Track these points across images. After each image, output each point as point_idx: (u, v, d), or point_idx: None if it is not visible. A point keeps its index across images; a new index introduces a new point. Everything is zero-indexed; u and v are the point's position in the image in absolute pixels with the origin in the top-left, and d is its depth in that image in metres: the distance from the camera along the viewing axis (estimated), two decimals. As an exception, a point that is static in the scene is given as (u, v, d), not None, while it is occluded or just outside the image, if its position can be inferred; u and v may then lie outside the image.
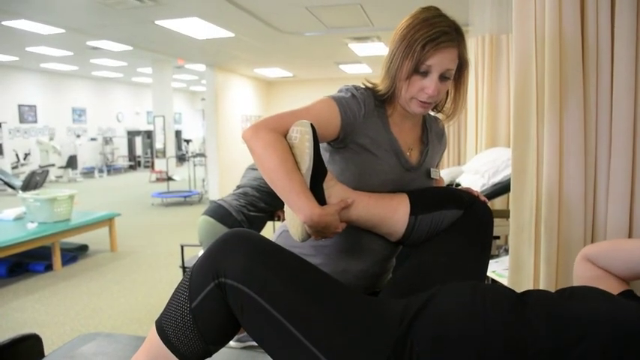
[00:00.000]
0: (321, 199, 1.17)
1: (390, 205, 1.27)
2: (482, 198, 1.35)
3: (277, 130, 1.18)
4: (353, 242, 1.34)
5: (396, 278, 1.30)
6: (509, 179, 1.73)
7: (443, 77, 1.25)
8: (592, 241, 1.58)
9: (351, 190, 1.26)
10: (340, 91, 1.32)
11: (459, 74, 1.32)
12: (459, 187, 1.43)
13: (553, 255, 1.57)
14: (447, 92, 1.36)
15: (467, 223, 1.29)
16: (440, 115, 1.44)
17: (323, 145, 1.32)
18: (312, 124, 1.15)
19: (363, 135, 1.28)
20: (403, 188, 1.33)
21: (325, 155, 1.32)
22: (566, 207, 1.56)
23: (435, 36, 1.20)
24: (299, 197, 1.12)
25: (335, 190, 1.22)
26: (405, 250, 1.36)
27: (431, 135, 1.43)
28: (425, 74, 1.24)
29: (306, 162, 1.14)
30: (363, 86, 1.34)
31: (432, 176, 1.40)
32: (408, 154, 1.36)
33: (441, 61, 1.22)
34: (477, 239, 1.29)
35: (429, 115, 1.46)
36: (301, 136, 1.15)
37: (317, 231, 1.15)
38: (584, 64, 1.52)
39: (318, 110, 1.24)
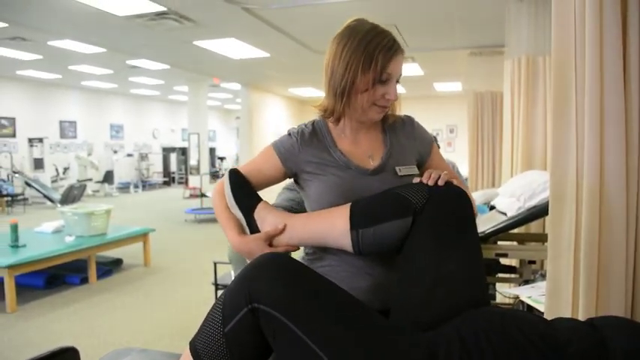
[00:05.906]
0: (254, 229, 1.32)
1: (328, 221, 1.26)
2: (442, 182, 1.24)
3: None
4: (351, 260, 1.30)
5: (398, 302, 1.20)
6: (546, 203, 1.69)
7: (397, 81, 1.33)
8: (634, 270, 1.53)
9: (287, 215, 1.32)
10: None
11: None
12: (411, 184, 1.28)
13: (593, 283, 1.52)
14: None
15: (431, 224, 1.19)
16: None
17: (295, 189, 1.52)
18: (231, 170, 1.39)
19: (306, 163, 1.37)
20: (372, 193, 1.28)
21: (301, 195, 1.46)
22: (606, 234, 1.51)
23: (390, 44, 1.27)
24: (226, 230, 1.34)
25: (268, 218, 1.31)
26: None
27: (394, 137, 1.41)
28: (385, 82, 1.28)
29: (228, 201, 1.36)
30: (304, 124, 1.45)
31: (400, 174, 1.34)
32: (368, 161, 1.36)
33: (397, 67, 1.29)
34: (449, 238, 1.19)
35: (388, 119, 1.44)
36: (226, 181, 1.37)
37: (248, 258, 1.27)
38: (626, 87, 1.49)
39: (258, 157, 1.44)
